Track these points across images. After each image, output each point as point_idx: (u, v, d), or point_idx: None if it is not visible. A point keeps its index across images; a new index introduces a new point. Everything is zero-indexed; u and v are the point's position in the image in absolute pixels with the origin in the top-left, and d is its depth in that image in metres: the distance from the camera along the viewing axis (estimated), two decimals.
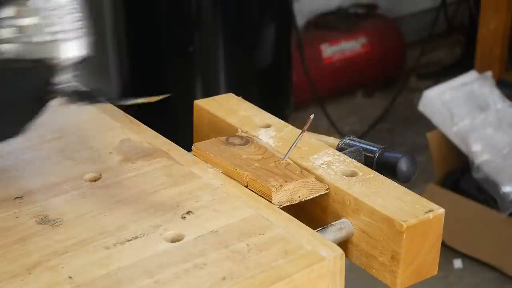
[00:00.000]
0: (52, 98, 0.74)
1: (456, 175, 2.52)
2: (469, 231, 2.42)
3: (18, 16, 0.71)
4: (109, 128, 0.94)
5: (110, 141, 0.90)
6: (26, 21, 0.71)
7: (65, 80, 0.74)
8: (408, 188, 0.80)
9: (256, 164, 0.84)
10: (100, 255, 0.71)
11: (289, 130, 0.92)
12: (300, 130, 0.86)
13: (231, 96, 1.00)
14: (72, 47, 0.73)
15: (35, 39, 0.72)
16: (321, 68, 3.26)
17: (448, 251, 2.42)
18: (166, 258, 0.70)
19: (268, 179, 0.80)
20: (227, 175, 0.84)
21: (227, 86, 2.57)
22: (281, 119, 0.95)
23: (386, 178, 0.82)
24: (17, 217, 0.76)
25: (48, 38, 0.72)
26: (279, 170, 0.83)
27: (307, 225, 0.75)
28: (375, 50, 3.40)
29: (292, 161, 0.85)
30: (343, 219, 0.80)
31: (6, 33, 0.71)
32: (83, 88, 0.78)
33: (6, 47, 0.71)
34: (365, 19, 3.45)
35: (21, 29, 0.71)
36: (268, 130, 0.92)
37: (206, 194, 0.80)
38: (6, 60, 0.72)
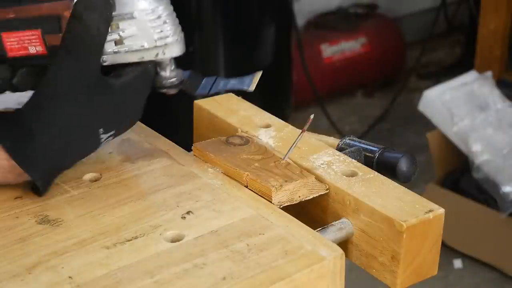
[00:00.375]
0: (162, 90, 0.84)
1: (456, 175, 2.52)
2: (469, 231, 2.42)
3: (120, 29, 0.79)
4: None
5: (110, 141, 0.90)
6: (126, 32, 0.80)
7: (169, 73, 0.83)
8: (408, 188, 0.80)
9: (256, 164, 0.84)
10: (100, 255, 0.71)
11: (289, 130, 0.92)
12: (300, 130, 0.86)
13: (231, 96, 1.00)
14: (172, 50, 0.81)
15: (136, 47, 0.80)
16: (321, 68, 3.26)
17: (448, 251, 2.41)
18: (166, 258, 0.70)
19: (268, 179, 0.80)
20: (227, 175, 0.84)
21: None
22: (281, 119, 0.95)
23: (386, 178, 0.82)
24: (17, 217, 0.76)
25: (147, 45, 0.80)
26: (279, 170, 0.83)
27: (307, 225, 0.75)
28: (375, 50, 3.40)
29: (292, 161, 0.85)
30: (343, 219, 0.80)
31: (108, 46, 0.80)
32: (191, 74, 0.86)
33: (107, 58, 0.80)
34: (365, 19, 3.45)
35: (122, 40, 0.80)
36: (268, 130, 0.92)
37: (206, 194, 0.80)
38: (116, 67, 0.81)
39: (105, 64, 0.81)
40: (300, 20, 3.26)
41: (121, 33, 0.80)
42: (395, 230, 0.75)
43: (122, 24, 0.80)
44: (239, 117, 0.95)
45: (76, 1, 0.78)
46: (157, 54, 0.81)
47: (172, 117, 2.32)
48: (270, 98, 2.69)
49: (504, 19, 2.59)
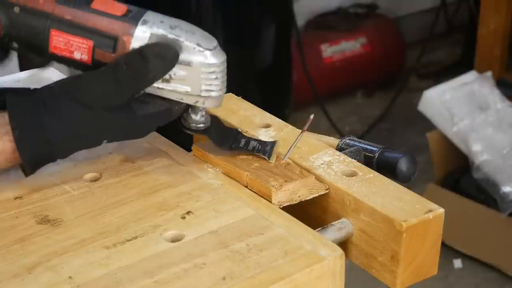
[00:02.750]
0: (187, 131, 0.85)
1: (456, 175, 2.52)
2: (469, 231, 2.42)
3: (173, 71, 0.80)
4: None
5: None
6: (177, 75, 0.80)
7: (199, 118, 0.84)
8: (408, 188, 0.80)
9: (256, 164, 0.84)
10: (100, 255, 0.71)
11: (289, 130, 0.92)
12: (300, 130, 0.86)
13: (231, 96, 1.00)
14: (213, 102, 0.82)
15: (181, 90, 0.80)
16: (321, 68, 3.26)
17: (448, 251, 2.42)
18: (166, 258, 0.70)
19: (268, 179, 0.80)
20: (227, 175, 0.84)
21: (227, 86, 2.56)
22: (281, 119, 0.95)
23: (386, 178, 0.82)
24: (17, 217, 0.77)
25: (191, 91, 0.81)
26: (279, 170, 0.83)
27: (307, 225, 0.75)
28: (375, 50, 3.39)
29: (292, 161, 0.85)
30: (343, 219, 0.80)
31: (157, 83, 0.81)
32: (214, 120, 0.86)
33: (149, 89, 0.81)
34: (365, 19, 3.45)
35: (170, 79, 0.80)
36: (268, 130, 0.92)
37: (206, 194, 0.80)
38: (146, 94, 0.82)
39: (142, 92, 0.81)
40: (300, 20, 3.26)
41: (172, 74, 0.80)
42: (395, 230, 0.75)
43: (176, 67, 0.80)
44: (239, 117, 0.95)
45: (151, 43, 0.79)
46: (196, 102, 0.81)
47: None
48: (270, 98, 2.69)
49: (504, 19, 2.59)
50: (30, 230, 0.74)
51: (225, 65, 0.82)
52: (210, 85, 0.81)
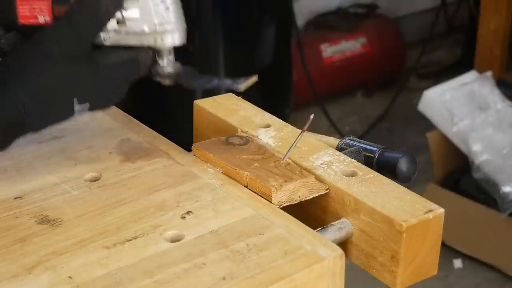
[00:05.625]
0: (158, 79, 0.84)
1: (456, 175, 2.52)
2: (469, 231, 2.42)
3: (123, 8, 0.80)
4: (109, 128, 0.94)
5: (110, 141, 0.90)
6: (129, 14, 0.80)
7: (166, 63, 0.83)
8: (408, 188, 0.80)
9: (256, 164, 0.84)
10: (100, 255, 0.71)
11: (289, 130, 0.92)
12: (300, 130, 0.86)
13: (231, 96, 1.00)
14: (171, 37, 0.81)
15: (136, 29, 0.80)
16: (321, 68, 3.26)
17: (448, 251, 2.42)
18: (166, 258, 0.70)
19: (268, 179, 0.81)
20: (227, 175, 0.84)
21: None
22: (281, 119, 0.95)
23: (386, 178, 0.82)
24: (17, 217, 0.77)
25: (147, 29, 0.80)
26: (279, 170, 0.83)
27: (307, 225, 0.75)
28: (375, 50, 3.40)
29: (292, 161, 0.85)
30: (343, 219, 0.80)
31: (110, 25, 0.81)
32: (188, 69, 0.86)
33: (106, 35, 0.80)
34: (365, 19, 3.45)
35: (124, 20, 0.80)
36: (268, 130, 0.92)
37: (206, 194, 0.80)
38: (107, 46, 0.81)
39: (105, 43, 0.82)
40: (300, 20, 3.26)
41: (124, 12, 0.80)
42: (395, 230, 0.75)
43: (126, 3, 0.80)
44: (239, 117, 0.95)
45: None
46: (155, 40, 0.81)
47: (172, 117, 2.32)
48: (270, 98, 2.69)
49: (504, 19, 2.59)
50: (30, 230, 0.74)
51: None
52: (163, 17, 0.81)
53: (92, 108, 0.83)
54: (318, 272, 0.70)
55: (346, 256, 0.73)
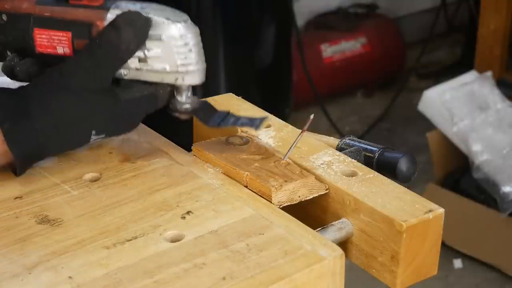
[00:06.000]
0: (175, 114, 0.85)
1: (456, 175, 2.52)
2: (469, 231, 2.42)
3: (146, 47, 0.81)
4: None
5: (110, 141, 0.90)
6: (152, 53, 0.81)
7: (185, 99, 0.84)
8: (408, 188, 0.80)
9: (256, 164, 0.84)
10: (100, 255, 0.71)
11: (289, 130, 0.92)
12: (300, 130, 0.86)
13: (231, 96, 1.00)
14: (192, 77, 0.82)
15: (158, 68, 0.81)
16: (321, 68, 3.26)
17: (448, 251, 2.42)
18: (166, 258, 0.70)
19: (268, 179, 0.80)
20: (227, 175, 0.84)
21: (227, 86, 2.57)
22: (281, 119, 0.95)
23: (386, 178, 0.82)
24: (17, 217, 0.76)
25: (169, 68, 0.81)
26: (279, 170, 0.83)
27: (307, 225, 0.75)
28: (375, 50, 3.40)
29: (292, 161, 0.85)
30: (343, 219, 0.80)
31: (132, 62, 0.82)
32: (204, 105, 0.87)
33: (127, 71, 0.82)
34: (365, 19, 3.45)
35: (146, 59, 0.81)
36: (268, 130, 0.92)
37: (206, 194, 0.80)
38: (128, 80, 0.83)
39: (125, 77, 0.83)
40: (300, 20, 3.26)
41: (146, 52, 0.81)
42: (395, 230, 0.75)
43: (148, 44, 0.81)
44: None
45: (120, 14, 0.81)
46: (176, 79, 0.82)
47: (172, 117, 2.32)
48: (270, 98, 2.69)
49: (504, 19, 2.59)
50: (30, 230, 0.74)
51: (198, 38, 0.82)
52: (185, 58, 0.81)
53: (107, 137, 0.85)
54: (318, 272, 0.70)
55: (346, 256, 0.73)
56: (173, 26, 0.80)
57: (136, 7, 0.82)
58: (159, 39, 0.81)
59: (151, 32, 0.81)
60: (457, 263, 2.44)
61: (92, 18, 0.82)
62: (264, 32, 2.69)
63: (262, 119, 0.85)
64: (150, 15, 0.81)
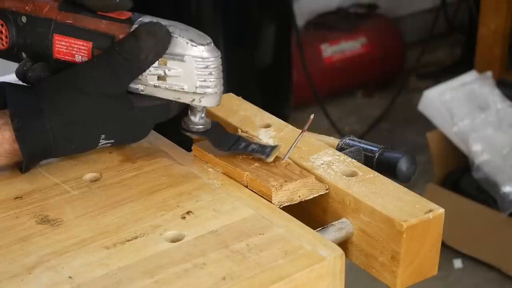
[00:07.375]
0: (187, 133, 0.86)
1: (456, 175, 2.52)
2: (469, 231, 2.42)
3: (167, 66, 0.81)
4: None
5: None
6: (172, 72, 0.81)
7: (198, 120, 0.84)
8: (408, 188, 0.80)
9: (256, 164, 0.84)
10: (100, 255, 0.71)
11: (289, 130, 0.92)
12: (300, 130, 0.86)
13: (231, 96, 1.00)
14: (208, 100, 0.82)
15: (176, 87, 0.81)
16: (321, 68, 3.26)
17: (448, 251, 2.42)
18: (166, 258, 0.70)
19: (268, 179, 0.80)
20: (227, 175, 0.84)
21: (227, 86, 2.56)
22: (281, 119, 0.95)
23: (386, 178, 0.82)
24: (17, 217, 0.77)
25: (187, 88, 0.81)
26: (279, 170, 0.83)
27: (307, 225, 0.75)
28: (375, 50, 3.40)
29: (292, 161, 0.85)
30: (343, 219, 0.80)
31: (150, 79, 0.82)
32: (216, 126, 0.87)
33: (144, 87, 0.82)
34: (365, 19, 3.45)
35: (165, 77, 0.81)
36: (268, 130, 0.92)
37: (206, 194, 0.80)
38: (144, 95, 0.83)
39: (141, 93, 0.83)
40: (300, 20, 3.26)
41: (167, 71, 0.81)
42: (395, 230, 0.75)
43: (170, 63, 0.81)
44: (239, 117, 0.95)
45: (142, 23, 0.81)
46: (193, 100, 0.82)
47: (172, 117, 2.32)
48: (270, 98, 2.69)
49: (504, 19, 2.59)
50: (30, 230, 0.74)
51: (219, 62, 0.82)
52: (205, 80, 0.81)
53: (116, 144, 0.85)
54: (318, 272, 0.70)
55: (346, 256, 0.73)
56: (196, 48, 0.80)
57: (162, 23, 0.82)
58: (181, 59, 0.81)
59: (173, 52, 0.80)
60: (457, 263, 2.44)
61: (115, 31, 0.82)
62: (264, 32, 2.70)
63: (273, 148, 0.85)
64: (175, 35, 0.81)
